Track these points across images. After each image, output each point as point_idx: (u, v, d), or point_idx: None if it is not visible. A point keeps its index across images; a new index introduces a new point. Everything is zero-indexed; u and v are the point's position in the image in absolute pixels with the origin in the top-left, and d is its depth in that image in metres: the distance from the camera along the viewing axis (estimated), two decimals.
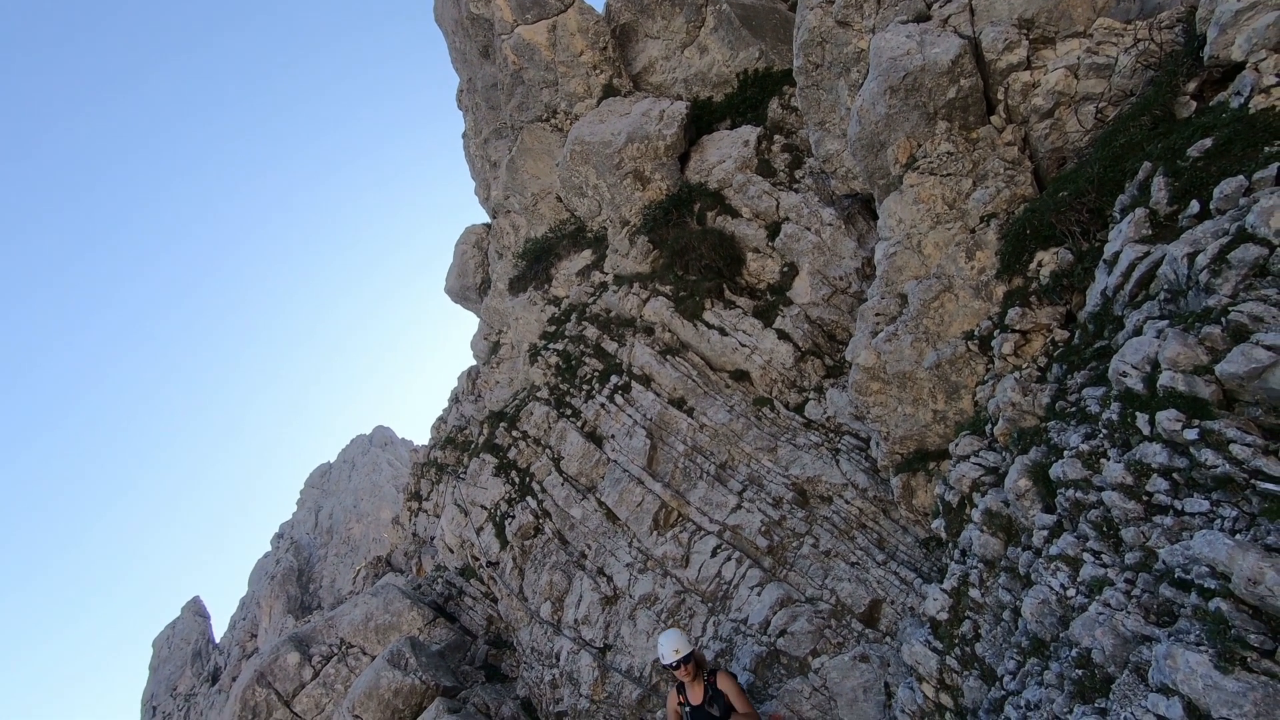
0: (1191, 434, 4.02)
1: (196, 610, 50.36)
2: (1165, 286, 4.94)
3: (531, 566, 11.25)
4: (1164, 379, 4.34)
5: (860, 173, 8.79)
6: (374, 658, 10.74)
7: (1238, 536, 3.47)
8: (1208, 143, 5.20)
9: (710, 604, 9.53)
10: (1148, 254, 5.24)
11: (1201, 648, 3.29)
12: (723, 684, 7.00)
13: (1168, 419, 4.19)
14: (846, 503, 9.55)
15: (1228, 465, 3.79)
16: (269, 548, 50.30)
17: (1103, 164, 6.27)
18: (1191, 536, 3.78)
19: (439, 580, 13.54)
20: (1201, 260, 4.57)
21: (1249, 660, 3.17)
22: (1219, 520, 3.72)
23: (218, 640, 46.88)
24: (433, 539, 17.17)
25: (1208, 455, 3.89)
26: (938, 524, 7.32)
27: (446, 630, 11.74)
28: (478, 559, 12.33)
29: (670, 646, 7.00)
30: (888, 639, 8.54)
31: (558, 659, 10.13)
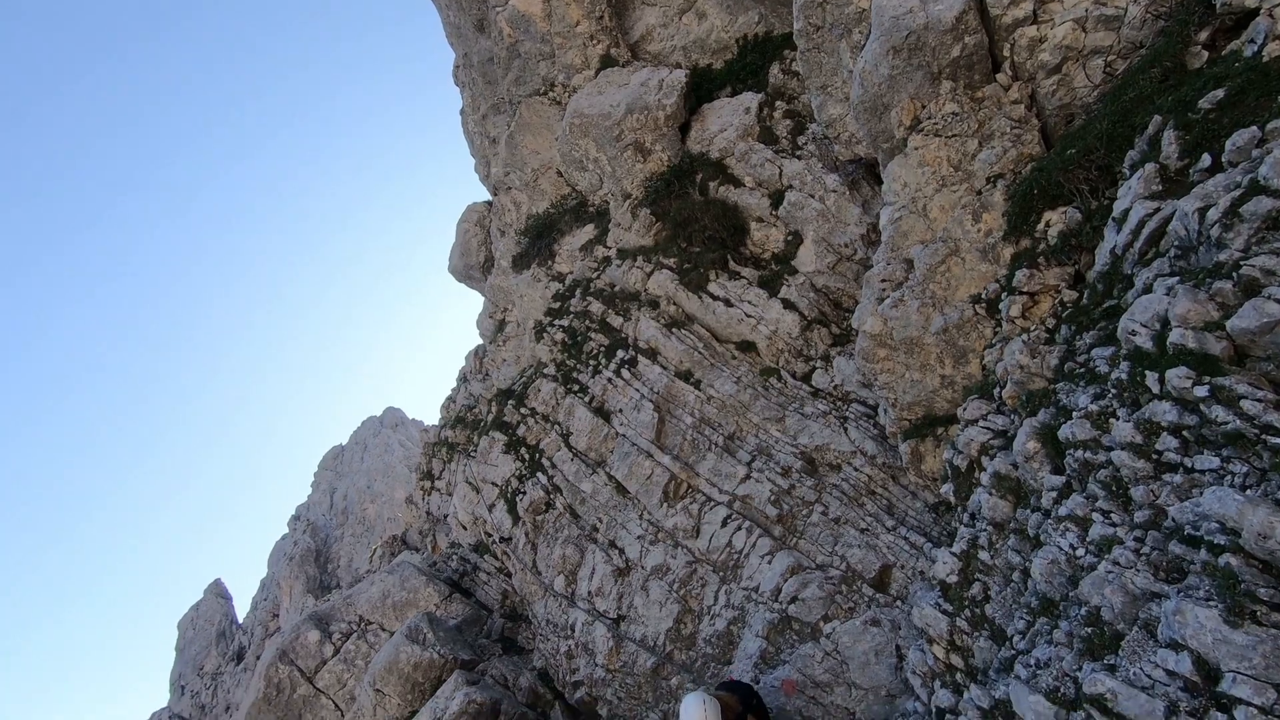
0: (1202, 391, 3.99)
1: (218, 592, 51.39)
2: (1175, 243, 4.86)
3: (544, 541, 11.37)
4: (1174, 336, 4.29)
5: (864, 137, 8.65)
6: (392, 634, 10.94)
7: (1248, 492, 3.45)
8: (1220, 93, 5.08)
9: (721, 573, 9.63)
10: (1158, 210, 5.15)
11: (1211, 603, 3.30)
12: None
13: (1178, 376, 4.15)
14: (855, 470, 9.58)
15: (1238, 421, 3.76)
16: (286, 529, 51.07)
17: (1111, 119, 6.14)
18: (1201, 494, 3.77)
19: (454, 557, 13.72)
20: (1213, 215, 4.49)
21: (1259, 614, 3.17)
22: (1229, 476, 3.70)
23: (240, 620, 47.92)
24: (446, 517, 17.35)
25: (1218, 412, 3.86)
26: (946, 488, 7.34)
27: (462, 605, 11.92)
28: (491, 535, 12.47)
29: None
30: (898, 603, 8.61)
31: (573, 630, 10.28)
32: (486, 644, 11.11)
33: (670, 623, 9.56)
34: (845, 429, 9.80)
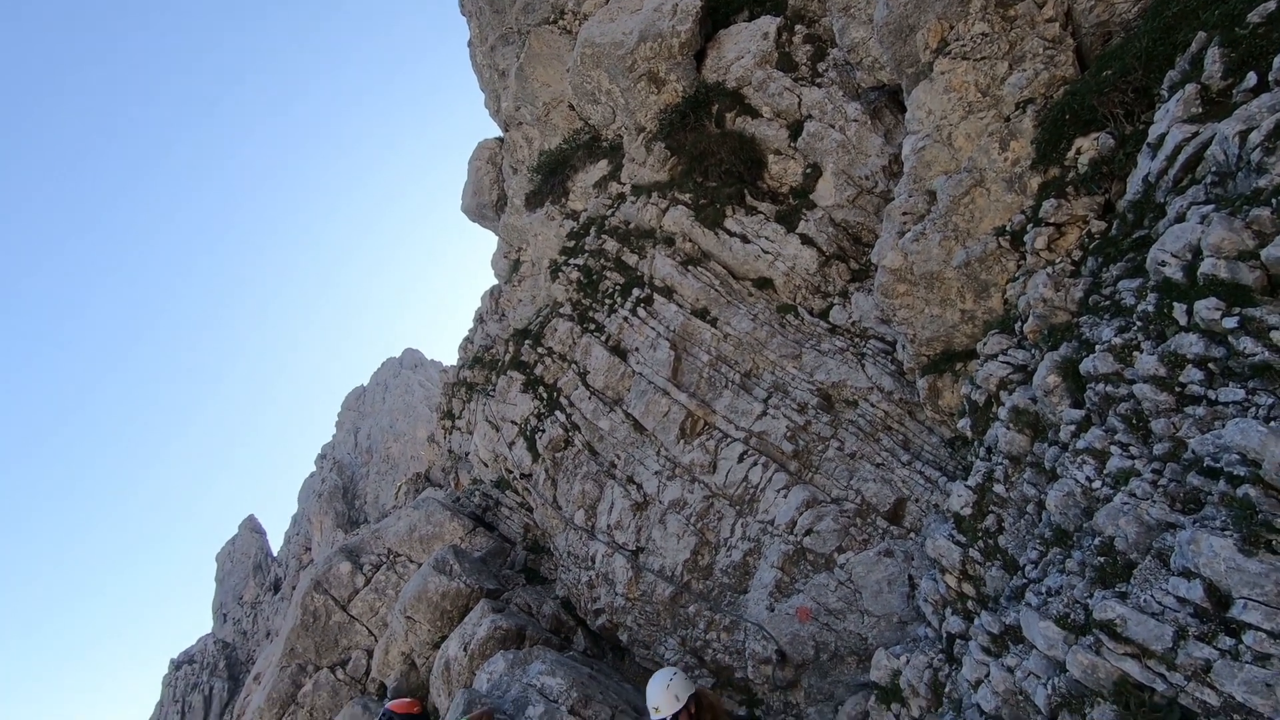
0: (1231, 322, 3.90)
1: (252, 527, 53.61)
2: (1213, 169, 4.67)
3: (563, 477, 11.62)
4: (1205, 266, 4.18)
5: (888, 62, 8.30)
6: (420, 565, 11.37)
7: (1272, 424, 3.42)
8: (1271, 6, 4.77)
9: (738, 507, 9.82)
10: (1196, 134, 4.93)
11: (1226, 532, 3.31)
12: None
13: (1207, 308, 4.05)
14: (872, 406, 9.59)
15: (1266, 353, 3.69)
16: (314, 468, 52.68)
17: (1151, 36, 5.82)
18: (1224, 426, 3.74)
19: (476, 493, 14.10)
20: (1255, 138, 4.29)
21: (1274, 543, 3.19)
22: (1253, 409, 3.66)
23: (275, 554, 50.13)
24: (468, 454, 17.75)
25: (1246, 343, 3.79)
26: (964, 423, 7.35)
27: (486, 538, 12.31)
28: (511, 472, 12.76)
29: (651, 702, 5.22)
30: (912, 535, 8.77)
31: (593, 561, 10.62)
32: (510, 574, 11.53)
33: (687, 554, 9.83)
34: (862, 365, 9.77)
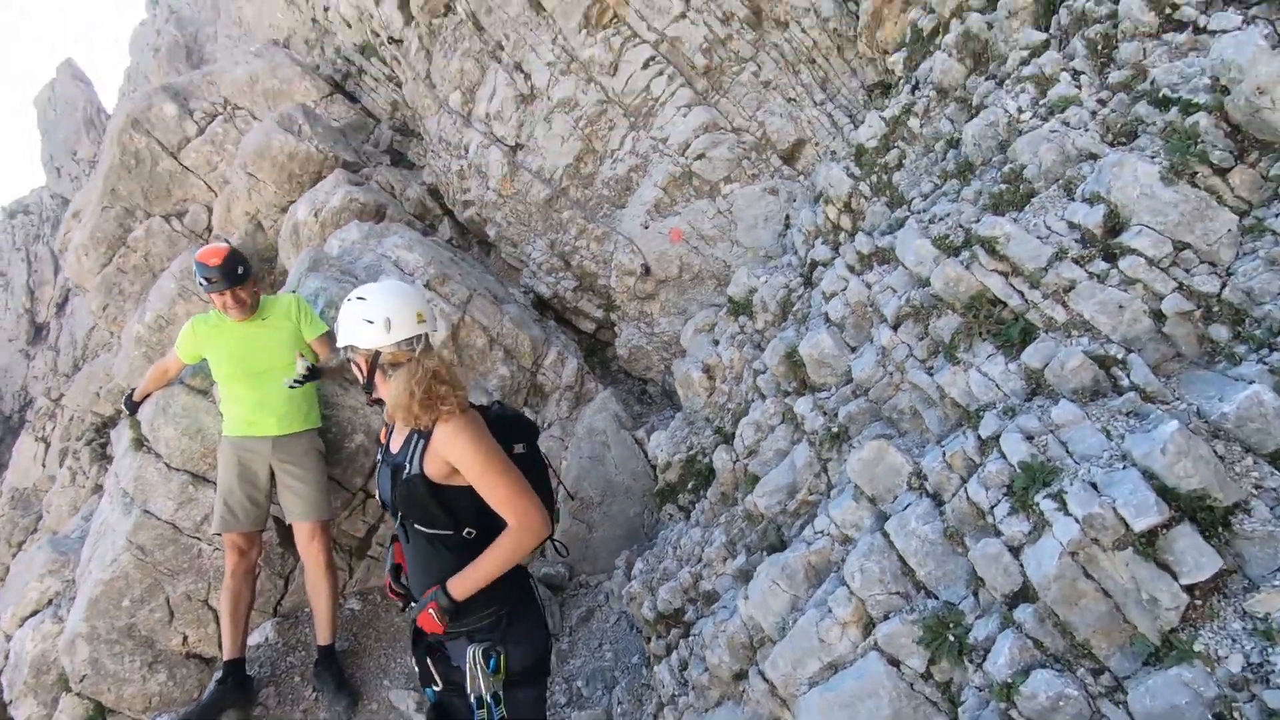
0: None
1: (74, 74, 45.74)
2: None
3: (440, 50, 9.91)
4: None
5: None
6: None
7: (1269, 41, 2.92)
8: None
9: (632, 119, 8.95)
10: None
11: (1156, 159, 3.02)
12: (442, 446, 2.62)
13: None
14: (803, 32, 8.46)
15: None
16: (145, 14, 43.72)
17: None
18: (1200, 52, 3.23)
19: (337, 59, 12.01)
20: None
21: (1198, 176, 2.94)
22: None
23: (109, 110, 43.96)
24: (328, 9, 14.74)
25: None
26: (897, 57, 6.61)
27: (346, 108, 10.82)
28: (378, 35, 10.73)
29: (385, 310, 2.70)
30: (801, 178, 8.52)
31: (467, 151, 9.70)
32: (373, 152, 10.42)
33: (570, 160, 9.13)
34: None
